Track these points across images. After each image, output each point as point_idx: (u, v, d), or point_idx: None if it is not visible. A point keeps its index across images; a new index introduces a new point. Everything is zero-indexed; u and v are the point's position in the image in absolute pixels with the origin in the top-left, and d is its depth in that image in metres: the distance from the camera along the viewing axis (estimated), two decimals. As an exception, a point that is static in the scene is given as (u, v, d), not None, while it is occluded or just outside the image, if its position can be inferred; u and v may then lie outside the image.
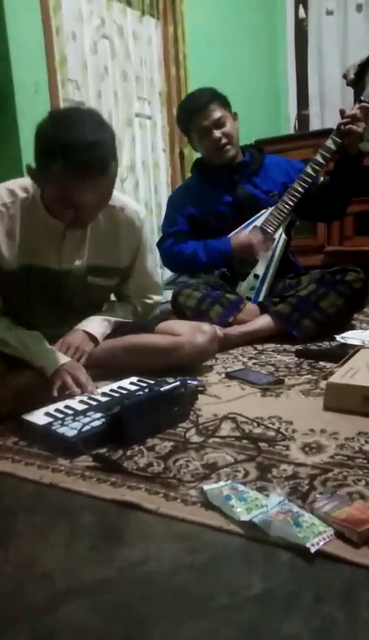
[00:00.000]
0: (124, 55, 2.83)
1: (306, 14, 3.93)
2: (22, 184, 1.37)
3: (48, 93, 2.34)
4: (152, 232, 2.50)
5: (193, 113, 2.05)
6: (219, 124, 2.03)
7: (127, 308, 1.66)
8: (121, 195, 1.52)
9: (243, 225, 2.12)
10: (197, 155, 2.27)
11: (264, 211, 2.10)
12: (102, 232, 1.46)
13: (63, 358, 1.38)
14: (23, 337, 1.41)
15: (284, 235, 2.10)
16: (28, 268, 1.39)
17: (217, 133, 2.04)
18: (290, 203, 2.05)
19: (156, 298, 1.72)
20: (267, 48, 3.99)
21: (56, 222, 1.34)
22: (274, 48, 4.04)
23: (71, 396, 1.30)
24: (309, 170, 2.03)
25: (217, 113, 2.03)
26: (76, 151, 1.12)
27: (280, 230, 2.09)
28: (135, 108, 2.93)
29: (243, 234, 2.09)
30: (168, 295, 2.20)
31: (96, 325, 1.54)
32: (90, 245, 1.46)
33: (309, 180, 2.03)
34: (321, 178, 2.15)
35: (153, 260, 1.68)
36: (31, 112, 2.22)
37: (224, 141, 2.05)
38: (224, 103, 2.07)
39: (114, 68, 2.78)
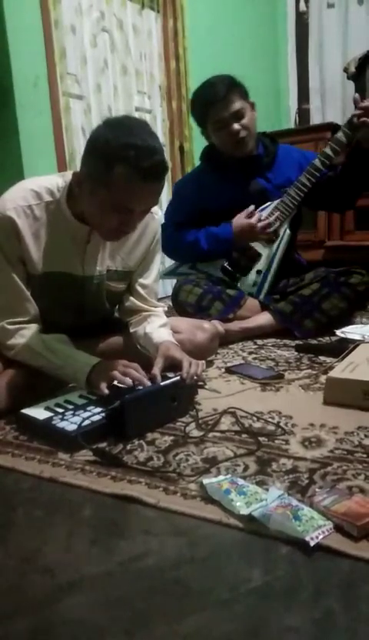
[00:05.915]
0: (124, 49, 2.81)
1: (307, 7, 3.90)
2: (47, 186, 1.29)
3: (48, 86, 2.34)
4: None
5: (211, 104, 1.92)
6: (238, 116, 1.92)
7: None
8: None
9: None
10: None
11: (268, 203, 2.03)
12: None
13: (92, 359, 1.30)
14: (50, 342, 1.33)
15: (288, 231, 2.04)
16: (50, 274, 1.34)
17: (235, 126, 1.92)
18: (297, 198, 1.98)
19: (159, 308, 1.55)
20: (268, 41, 3.97)
21: (81, 227, 1.30)
22: (274, 41, 4.01)
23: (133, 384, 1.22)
24: (317, 163, 1.96)
25: (237, 104, 1.91)
26: (143, 154, 1.12)
27: (285, 225, 2.03)
28: (135, 102, 2.92)
29: (243, 218, 2.01)
30: (166, 284, 2.13)
31: None
32: (110, 250, 1.41)
33: (317, 174, 1.96)
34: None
35: (158, 267, 1.56)
36: (30, 106, 2.22)
37: (242, 134, 1.94)
38: (243, 92, 1.95)
39: (113, 61, 2.76)
